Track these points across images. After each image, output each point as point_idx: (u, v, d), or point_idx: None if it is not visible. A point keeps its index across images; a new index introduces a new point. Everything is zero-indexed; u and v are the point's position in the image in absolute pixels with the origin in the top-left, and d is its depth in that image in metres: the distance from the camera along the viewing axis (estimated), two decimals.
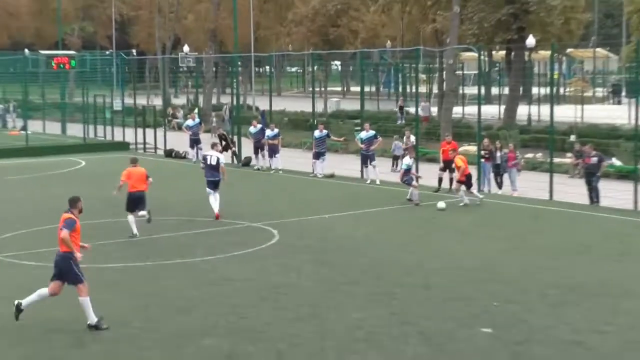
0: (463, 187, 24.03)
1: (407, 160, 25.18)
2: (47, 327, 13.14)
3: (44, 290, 13.07)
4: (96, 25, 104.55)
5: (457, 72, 49.19)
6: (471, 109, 48.17)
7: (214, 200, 22.16)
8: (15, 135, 47.40)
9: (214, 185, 22.28)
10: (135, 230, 19.74)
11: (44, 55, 43.58)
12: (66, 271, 12.93)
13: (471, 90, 58.47)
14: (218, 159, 22.34)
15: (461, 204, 23.74)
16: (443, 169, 26.70)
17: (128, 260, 17.69)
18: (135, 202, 19.84)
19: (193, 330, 12.99)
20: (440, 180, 26.74)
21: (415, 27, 72.23)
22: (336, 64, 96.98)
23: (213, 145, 23.46)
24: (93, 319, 12.83)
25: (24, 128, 45.16)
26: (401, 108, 51.48)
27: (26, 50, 63.75)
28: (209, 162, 22.43)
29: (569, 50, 66.26)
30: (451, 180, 26.61)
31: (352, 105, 56.35)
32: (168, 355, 11.91)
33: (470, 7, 45.30)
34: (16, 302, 13.00)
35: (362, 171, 30.15)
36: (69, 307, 14.16)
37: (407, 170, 24.82)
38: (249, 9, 63.49)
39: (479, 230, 20.83)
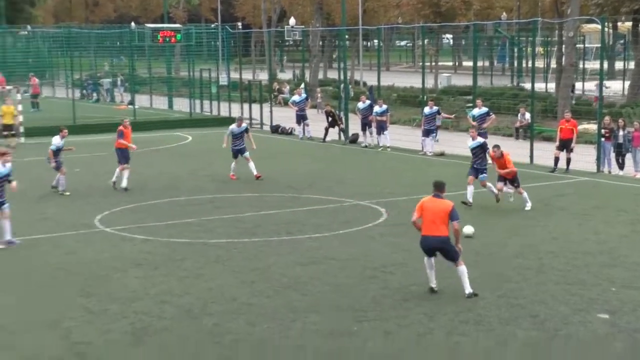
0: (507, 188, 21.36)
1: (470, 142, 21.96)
2: (160, 299, 13.81)
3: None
4: None
5: (578, 46, 47.99)
6: (592, 85, 47.00)
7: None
8: (123, 110, 48.90)
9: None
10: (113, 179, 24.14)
11: (149, 29, 44.65)
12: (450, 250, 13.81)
13: (593, 65, 57.09)
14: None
15: (511, 199, 21.50)
16: (560, 148, 26.43)
17: (233, 236, 18.24)
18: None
19: (299, 306, 13.39)
20: (556, 160, 26.48)
21: None
22: (448, 38, 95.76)
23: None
24: (469, 289, 13.72)
25: (131, 102, 46.57)
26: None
27: (132, 24, 65.61)
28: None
29: None
30: (568, 160, 26.33)
31: (464, 80, 55.87)
32: (275, 330, 12.35)
33: None
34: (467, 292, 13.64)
35: None
36: (180, 279, 14.86)
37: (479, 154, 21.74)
38: None
39: (598, 214, 20.53)
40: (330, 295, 14.01)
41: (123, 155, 24.35)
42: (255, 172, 25.45)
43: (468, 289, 13.72)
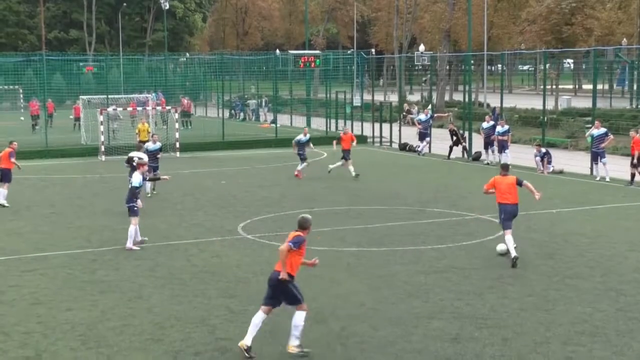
0: None
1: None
2: None
3: None
4: (339, 26, 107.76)
5: None
6: None
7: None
8: (266, 128, 49.80)
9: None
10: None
11: (292, 55, 45.27)
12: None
13: None
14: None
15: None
16: None
17: (363, 245, 18.19)
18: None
19: (421, 313, 13.19)
20: None
21: None
22: (569, 62, 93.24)
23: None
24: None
25: (274, 121, 47.32)
26: None
27: (277, 51, 66.80)
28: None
29: None
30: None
31: (583, 103, 54.28)
32: (398, 335, 12.18)
33: None
34: None
35: (591, 168, 29.03)
36: (313, 285, 14.86)
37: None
38: (483, 9, 62.67)
39: None
40: (451, 302, 13.74)
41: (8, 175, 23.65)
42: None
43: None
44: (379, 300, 13.94)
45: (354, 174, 28.40)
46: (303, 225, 12.08)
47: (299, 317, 11.44)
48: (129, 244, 17.75)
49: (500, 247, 17.01)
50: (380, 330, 12.39)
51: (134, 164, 20.20)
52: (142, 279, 15.39)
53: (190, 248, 18.02)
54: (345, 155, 29.05)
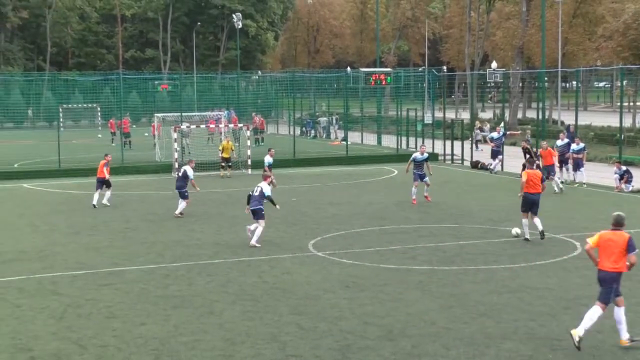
0: None
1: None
2: (363, 320, 13.78)
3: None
4: (410, 43, 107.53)
5: None
6: None
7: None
8: (337, 145, 49.91)
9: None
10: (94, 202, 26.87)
11: (363, 73, 45.38)
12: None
13: None
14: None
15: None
16: None
17: (434, 263, 18.02)
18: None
19: (494, 333, 12.98)
20: None
21: None
22: None
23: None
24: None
25: (345, 139, 47.42)
26: None
27: (348, 68, 66.99)
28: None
29: None
30: None
31: None
32: (470, 355, 12.01)
33: None
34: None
35: None
36: (383, 302, 14.80)
37: None
38: (557, 25, 61.79)
39: None
40: (525, 323, 13.49)
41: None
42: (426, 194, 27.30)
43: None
44: (451, 319, 13.77)
45: (556, 189, 28.48)
46: (621, 223, 12.82)
47: (620, 313, 12.28)
48: (253, 241, 19.94)
49: (515, 230, 20.49)
50: (452, 349, 12.24)
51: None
52: (214, 295, 15.55)
53: (262, 264, 18.13)
54: (550, 171, 28.86)
